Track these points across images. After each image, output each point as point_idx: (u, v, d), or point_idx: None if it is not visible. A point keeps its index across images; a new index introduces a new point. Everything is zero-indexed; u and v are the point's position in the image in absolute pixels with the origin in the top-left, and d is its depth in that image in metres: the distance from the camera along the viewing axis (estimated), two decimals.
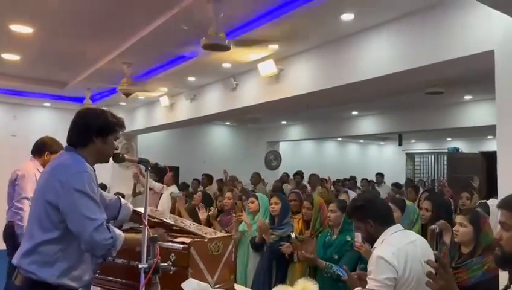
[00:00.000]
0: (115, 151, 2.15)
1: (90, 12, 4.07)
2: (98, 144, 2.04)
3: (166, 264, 1.83)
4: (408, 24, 3.58)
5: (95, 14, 4.12)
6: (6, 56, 5.67)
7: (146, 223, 1.93)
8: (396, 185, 8.24)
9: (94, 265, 2.08)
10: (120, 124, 2.13)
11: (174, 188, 7.35)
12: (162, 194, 7.25)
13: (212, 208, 4.79)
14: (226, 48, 3.65)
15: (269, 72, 4.83)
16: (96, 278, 2.36)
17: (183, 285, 1.93)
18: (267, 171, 10.87)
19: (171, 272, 2.03)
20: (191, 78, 6.12)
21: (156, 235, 1.86)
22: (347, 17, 3.69)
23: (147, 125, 8.29)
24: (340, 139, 14.11)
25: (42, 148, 3.77)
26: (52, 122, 8.44)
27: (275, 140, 12.17)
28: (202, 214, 4.52)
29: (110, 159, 2.14)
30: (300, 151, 13.57)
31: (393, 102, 7.64)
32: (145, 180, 2.12)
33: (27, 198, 3.64)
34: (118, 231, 1.94)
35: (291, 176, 9.48)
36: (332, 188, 7.96)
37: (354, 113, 9.46)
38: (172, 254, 2.13)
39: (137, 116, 8.64)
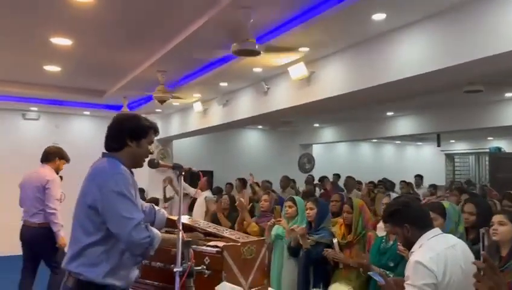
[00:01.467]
0: (150, 157, 2.21)
1: (125, 23, 4.21)
2: (133, 147, 2.10)
3: (200, 267, 1.86)
4: (443, 21, 3.47)
5: (130, 25, 4.25)
6: (48, 68, 5.94)
7: (180, 227, 1.97)
8: (433, 187, 7.97)
9: (133, 263, 2.13)
10: (153, 128, 2.18)
11: (208, 193, 7.46)
12: (195, 198, 7.38)
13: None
14: (256, 53, 3.67)
15: (300, 75, 4.81)
16: (134, 281, 2.43)
17: (217, 288, 1.95)
18: (301, 174, 10.80)
19: (206, 276, 2.06)
20: (223, 84, 6.19)
21: (190, 239, 1.90)
22: (379, 16, 3.63)
23: (181, 131, 8.44)
24: (375, 140, 13.84)
25: (52, 155, 4.44)
26: (91, 129, 8.76)
27: (308, 143, 12.09)
28: (242, 199, 4.49)
29: (145, 165, 2.20)
30: (334, 153, 13.41)
31: (431, 101, 7.41)
32: (179, 185, 2.15)
33: (57, 199, 4.24)
34: (155, 231, 2.00)
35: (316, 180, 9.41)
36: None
37: (389, 113, 9.26)
38: (207, 258, 2.16)
39: (172, 122, 8.83)
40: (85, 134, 8.64)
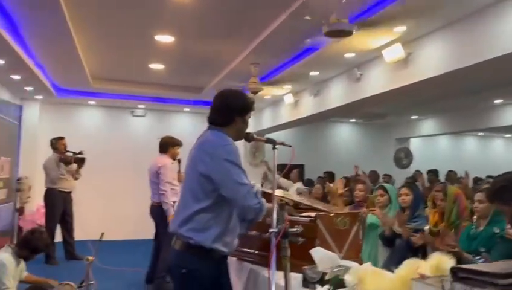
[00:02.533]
0: (246, 131, 2.33)
1: (221, 17, 4.42)
2: (239, 123, 2.24)
3: (294, 229, 1.90)
4: None
5: (225, 19, 4.45)
6: (152, 66, 6.47)
7: (275, 194, 2.03)
8: None
9: (243, 229, 2.24)
10: (254, 104, 2.35)
11: (299, 185, 7.55)
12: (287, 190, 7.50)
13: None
14: (348, 33, 3.61)
15: (396, 57, 4.61)
16: None
17: (311, 251, 1.97)
18: (397, 170, 10.31)
19: (299, 243, 2.09)
20: (314, 73, 6.17)
21: (284, 202, 1.95)
22: None
23: (273, 124, 8.60)
24: (481, 133, 12.66)
25: (165, 146, 5.08)
26: (190, 125, 9.30)
27: (404, 136, 11.49)
28: (340, 188, 4.53)
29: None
30: (435, 148, 12.55)
31: None
32: (273, 159, 2.22)
33: (168, 182, 4.85)
34: (262, 198, 2.09)
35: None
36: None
37: (498, 101, 8.42)
38: (300, 226, 2.19)
39: (264, 116, 9.04)
40: (185, 130, 9.17)
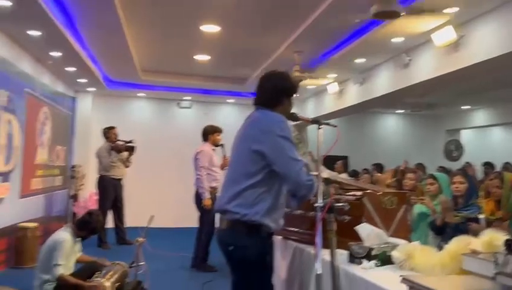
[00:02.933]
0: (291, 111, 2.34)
1: (267, 4, 4.40)
2: (285, 104, 2.26)
3: (341, 204, 1.89)
4: None
5: (271, 6, 4.43)
6: (198, 57, 6.58)
7: (320, 168, 2.03)
8: None
9: (294, 205, 2.24)
10: (299, 85, 2.34)
11: (344, 176, 7.45)
12: None
13: None
14: (397, 14, 3.51)
15: (447, 41, 4.42)
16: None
17: (357, 228, 1.96)
18: (447, 162, 9.91)
19: (346, 221, 2.09)
20: (360, 60, 6.05)
21: (329, 177, 1.95)
22: None
23: (316, 114, 8.50)
24: None
25: (207, 133, 5.34)
26: (234, 116, 9.38)
27: (455, 128, 11.01)
28: (388, 178, 4.47)
29: None
30: (487, 140, 11.92)
31: None
32: (318, 141, 2.21)
33: (203, 167, 5.12)
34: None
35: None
36: None
37: None
38: (347, 203, 2.18)
39: (307, 106, 8.98)
40: (229, 120, 9.26)
